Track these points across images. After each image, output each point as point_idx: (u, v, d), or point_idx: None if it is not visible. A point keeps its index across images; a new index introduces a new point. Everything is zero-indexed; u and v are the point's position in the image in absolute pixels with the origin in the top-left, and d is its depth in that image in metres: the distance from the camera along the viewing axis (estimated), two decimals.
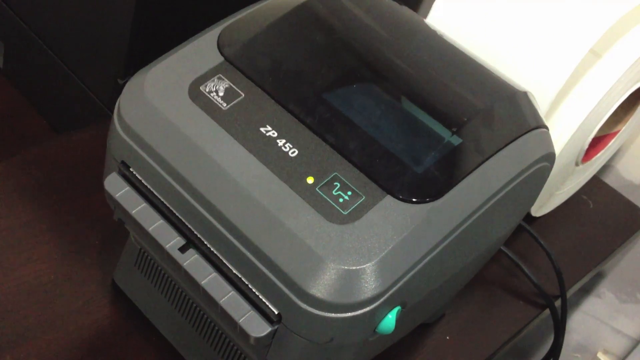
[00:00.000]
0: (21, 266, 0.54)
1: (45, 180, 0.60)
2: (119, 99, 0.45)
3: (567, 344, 0.94)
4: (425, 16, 0.57)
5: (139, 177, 0.44)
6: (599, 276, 0.87)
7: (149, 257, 0.51)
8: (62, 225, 0.57)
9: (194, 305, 0.49)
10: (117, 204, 0.44)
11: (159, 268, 0.51)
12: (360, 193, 0.40)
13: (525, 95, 0.47)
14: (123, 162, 0.44)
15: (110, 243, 0.57)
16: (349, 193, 0.40)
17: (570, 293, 0.69)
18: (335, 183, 0.40)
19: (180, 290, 0.50)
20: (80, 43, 0.73)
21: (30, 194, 0.58)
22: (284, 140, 0.42)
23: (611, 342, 0.90)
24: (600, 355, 0.92)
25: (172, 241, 0.42)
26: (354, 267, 0.38)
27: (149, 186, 0.43)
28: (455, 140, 0.42)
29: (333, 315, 0.39)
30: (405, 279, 0.39)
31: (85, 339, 0.52)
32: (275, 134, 0.42)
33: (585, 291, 0.89)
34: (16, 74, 0.85)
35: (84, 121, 0.76)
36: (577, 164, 0.67)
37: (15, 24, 0.79)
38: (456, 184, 0.41)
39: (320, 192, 0.40)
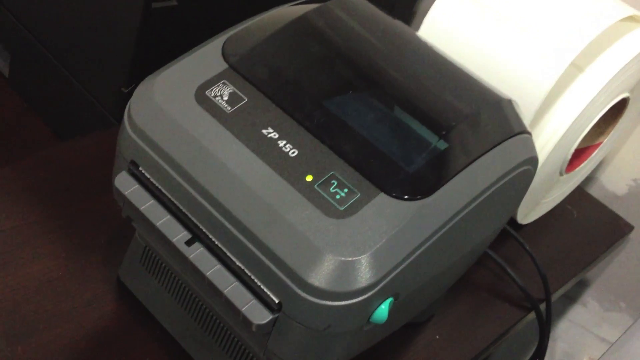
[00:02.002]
0: (30, 263, 0.56)
1: (52, 182, 0.62)
2: (129, 102, 0.47)
3: (554, 352, 0.96)
4: (418, 29, 0.61)
5: (148, 175, 0.46)
6: (584, 285, 0.90)
7: (153, 254, 0.53)
8: (69, 224, 0.59)
9: (197, 300, 0.52)
10: (127, 201, 0.46)
11: (163, 265, 0.53)
12: (356, 190, 0.43)
13: (509, 102, 0.50)
14: (132, 162, 0.47)
15: (116, 242, 0.59)
16: (345, 190, 0.43)
17: (554, 298, 0.71)
18: (332, 181, 0.43)
19: (183, 285, 0.52)
20: (86, 52, 0.76)
21: (38, 194, 0.61)
22: (284, 142, 0.45)
23: (596, 350, 0.92)
24: None
25: (178, 235, 0.45)
26: (349, 258, 0.41)
27: (157, 184, 0.46)
28: (444, 143, 0.45)
29: (330, 303, 0.41)
30: (397, 271, 0.42)
31: (91, 332, 0.54)
32: (277, 136, 0.45)
33: (571, 299, 0.91)
34: (21, 83, 0.87)
35: (88, 129, 0.78)
36: (561, 174, 0.69)
37: (21, 34, 0.81)
38: (445, 183, 0.44)
39: (318, 189, 0.43)
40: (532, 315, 0.68)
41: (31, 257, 0.57)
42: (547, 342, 0.70)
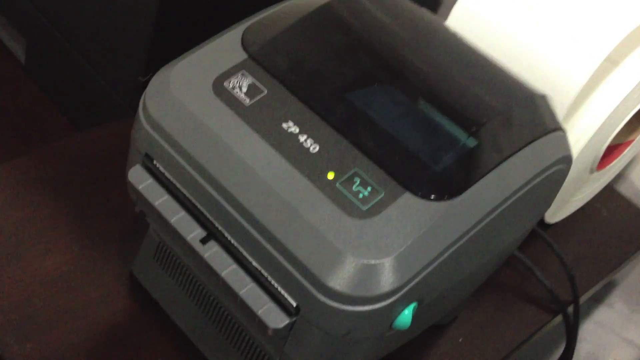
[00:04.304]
0: (41, 257, 0.55)
1: (66, 173, 0.61)
2: (144, 93, 0.46)
3: (578, 353, 0.94)
4: (445, 19, 0.58)
5: (162, 169, 0.44)
6: (611, 286, 0.87)
7: (167, 250, 0.52)
8: (82, 217, 0.58)
9: (212, 298, 0.50)
10: (140, 196, 0.45)
11: (178, 261, 0.51)
12: (380, 189, 0.41)
13: (543, 98, 0.47)
14: (147, 155, 0.45)
15: (129, 236, 0.57)
16: (369, 189, 0.41)
17: (582, 300, 0.69)
18: (355, 179, 0.41)
19: (198, 283, 0.51)
20: (103, 41, 0.74)
21: (51, 186, 0.59)
22: (305, 136, 0.43)
23: (622, 352, 0.90)
24: None
25: (193, 233, 0.43)
26: (372, 262, 0.39)
27: (171, 178, 0.44)
28: (474, 141, 0.43)
29: (351, 308, 0.39)
30: (422, 275, 0.40)
31: (103, 329, 0.52)
32: (297, 130, 0.43)
33: (597, 301, 0.89)
34: (38, 71, 0.86)
35: (105, 118, 0.77)
36: (591, 172, 0.67)
37: (38, 21, 0.80)
38: (474, 182, 0.42)
39: (340, 187, 0.41)
40: (558, 317, 0.65)
41: (43, 250, 0.55)
42: (575, 346, 0.68)
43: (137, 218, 0.52)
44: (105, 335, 0.52)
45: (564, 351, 0.68)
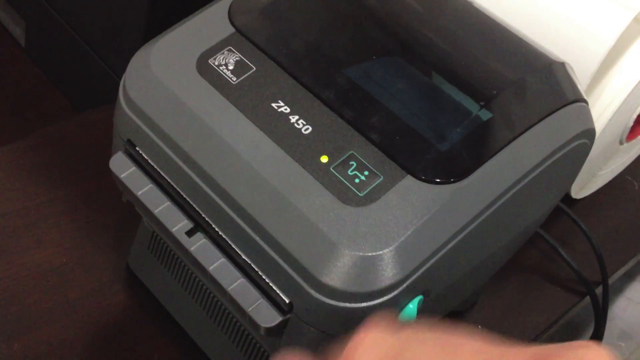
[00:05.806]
0: (32, 249, 0.52)
1: (59, 160, 0.58)
2: (124, 74, 0.42)
3: (611, 331, 0.90)
4: None
5: (145, 156, 0.41)
6: None
7: (161, 241, 0.49)
8: (75, 207, 0.55)
9: (209, 291, 0.47)
10: (123, 185, 0.42)
11: (172, 252, 0.48)
12: (378, 173, 0.37)
13: (562, 66, 0.43)
14: (129, 141, 0.42)
15: (126, 225, 0.54)
16: (366, 173, 0.37)
17: (612, 279, 0.65)
18: (351, 162, 0.37)
19: (194, 275, 0.47)
20: (101, 21, 0.72)
21: (43, 174, 0.57)
22: (296, 117, 0.39)
23: None
24: None
25: (179, 224, 0.40)
26: (370, 253, 0.35)
27: (155, 166, 0.41)
28: (484, 115, 0.39)
29: (348, 305, 0.36)
30: (427, 266, 0.36)
31: (97, 326, 0.50)
32: (288, 110, 0.39)
33: (630, 277, 0.85)
34: (38, 53, 0.84)
35: (105, 100, 0.74)
36: (621, 143, 0.63)
37: (37, 3, 0.78)
38: (484, 162, 0.38)
39: (334, 172, 0.37)
40: (586, 299, 0.62)
41: (34, 243, 0.52)
42: (604, 329, 0.64)
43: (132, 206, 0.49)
44: (100, 331, 0.50)
45: (593, 335, 0.64)
